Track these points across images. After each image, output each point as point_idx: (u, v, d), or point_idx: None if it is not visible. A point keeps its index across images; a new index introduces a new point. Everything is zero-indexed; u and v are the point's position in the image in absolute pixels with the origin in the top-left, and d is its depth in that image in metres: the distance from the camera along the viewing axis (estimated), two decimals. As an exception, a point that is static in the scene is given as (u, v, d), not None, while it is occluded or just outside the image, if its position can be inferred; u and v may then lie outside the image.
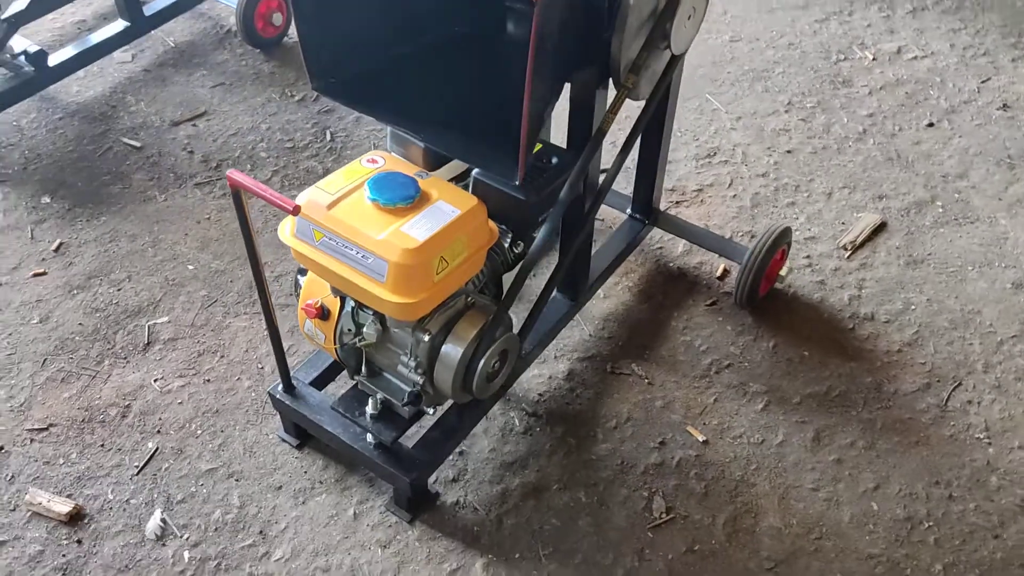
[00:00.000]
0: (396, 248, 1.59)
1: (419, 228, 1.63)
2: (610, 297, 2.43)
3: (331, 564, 1.89)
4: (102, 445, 2.10)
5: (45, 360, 2.28)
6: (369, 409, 1.87)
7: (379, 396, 1.87)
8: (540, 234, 1.78)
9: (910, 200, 2.68)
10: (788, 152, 2.82)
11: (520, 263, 1.90)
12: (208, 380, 2.23)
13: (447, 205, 1.68)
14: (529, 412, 2.17)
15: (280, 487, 2.03)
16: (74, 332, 2.34)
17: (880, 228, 2.59)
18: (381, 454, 1.90)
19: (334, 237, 1.65)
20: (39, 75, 2.95)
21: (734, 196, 2.69)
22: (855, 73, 3.13)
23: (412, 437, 1.95)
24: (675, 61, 1.88)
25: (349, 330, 1.81)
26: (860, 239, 2.55)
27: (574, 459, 2.07)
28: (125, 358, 2.28)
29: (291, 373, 2.00)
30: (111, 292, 2.44)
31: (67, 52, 3.04)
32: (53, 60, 2.98)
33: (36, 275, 2.49)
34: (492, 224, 1.76)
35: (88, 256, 2.54)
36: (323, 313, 1.81)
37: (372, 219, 1.64)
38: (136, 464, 2.06)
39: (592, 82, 1.80)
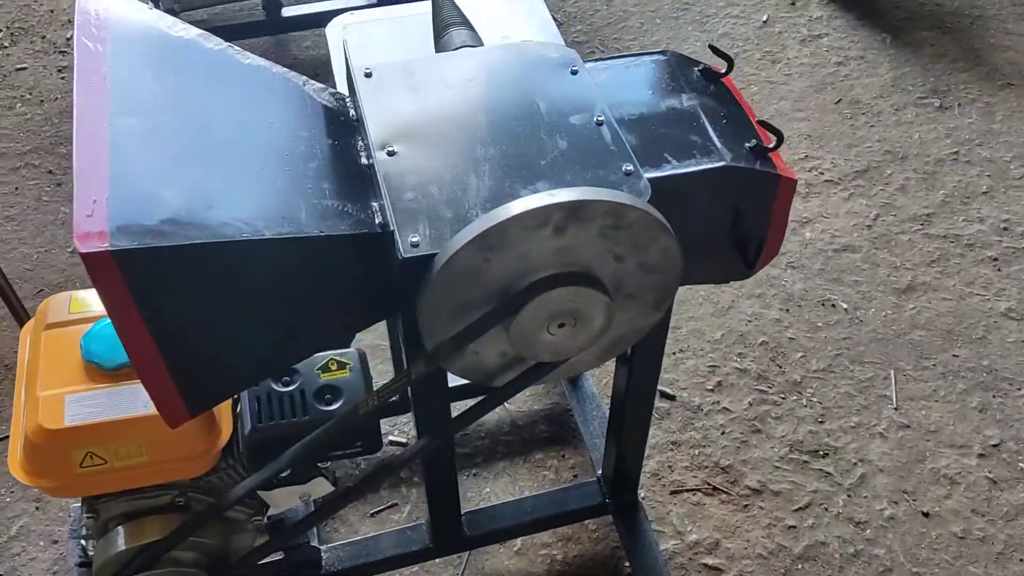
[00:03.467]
0: (34, 418, 1.29)
1: (85, 407, 1.31)
2: (524, 555, 1.86)
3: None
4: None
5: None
6: (83, 542, 1.62)
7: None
8: (243, 484, 1.35)
9: None
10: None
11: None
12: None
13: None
14: (312, 631, 1.76)
15: (38, 504, 1.89)
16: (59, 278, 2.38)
17: None
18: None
19: (26, 361, 1.39)
20: (269, 22, 2.98)
21: (790, 528, 1.88)
22: None
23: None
24: (545, 367, 1.27)
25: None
26: None
27: None
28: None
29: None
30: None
31: (306, 8, 3.03)
32: (287, 12, 2.99)
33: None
34: (219, 440, 1.37)
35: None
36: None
37: (62, 367, 1.35)
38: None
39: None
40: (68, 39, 3.08)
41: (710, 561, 1.84)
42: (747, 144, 1.30)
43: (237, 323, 1.13)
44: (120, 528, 1.42)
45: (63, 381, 1.33)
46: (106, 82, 1.14)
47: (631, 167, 1.21)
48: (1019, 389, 2.10)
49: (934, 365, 2.15)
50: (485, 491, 1.95)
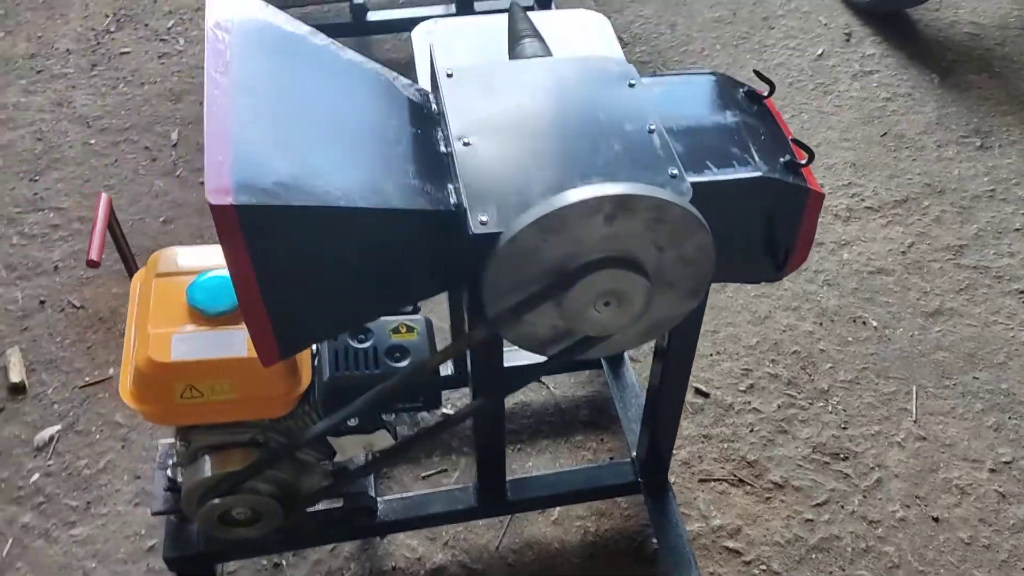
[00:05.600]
0: (144, 351, 1.50)
1: (189, 346, 1.51)
2: (560, 525, 2.03)
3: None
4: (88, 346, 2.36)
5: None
6: (168, 472, 1.82)
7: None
8: (317, 425, 1.54)
9: None
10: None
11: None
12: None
13: (245, 340, 1.53)
14: None
15: (124, 443, 2.11)
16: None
17: None
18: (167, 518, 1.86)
19: (137, 302, 1.61)
20: (355, 24, 3.20)
21: (807, 521, 2.02)
22: None
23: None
24: (591, 341, 1.44)
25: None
26: None
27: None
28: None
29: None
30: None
31: (389, 14, 3.25)
32: (372, 16, 3.21)
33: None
34: (299, 386, 1.57)
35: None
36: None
37: (169, 310, 1.56)
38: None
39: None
40: (169, 28, 3.34)
41: (731, 544, 1.99)
42: (782, 159, 1.46)
43: (328, 279, 1.33)
44: (207, 456, 1.62)
45: (170, 322, 1.53)
46: (229, 67, 1.35)
47: (676, 171, 1.38)
48: (1035, 413, 2.22)
49: (954, 385, 2.28)
50: (528, 465, 2.13)
